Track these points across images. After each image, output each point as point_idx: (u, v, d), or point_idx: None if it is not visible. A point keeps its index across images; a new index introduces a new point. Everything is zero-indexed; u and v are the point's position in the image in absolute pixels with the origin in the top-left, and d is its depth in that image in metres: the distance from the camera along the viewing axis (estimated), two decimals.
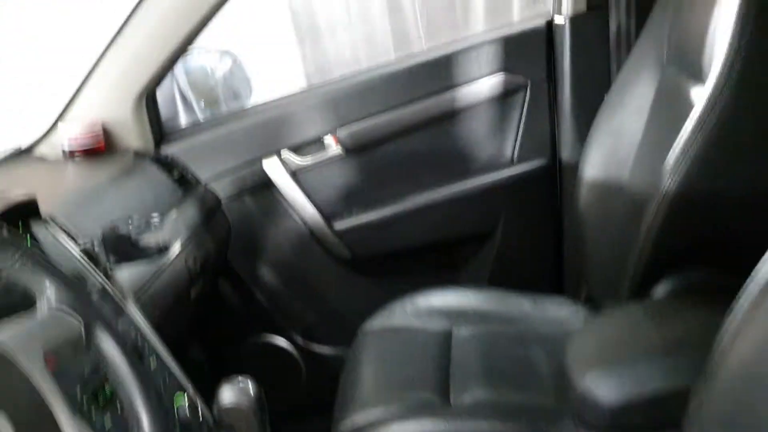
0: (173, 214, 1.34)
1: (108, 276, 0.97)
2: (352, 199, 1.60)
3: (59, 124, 1.47)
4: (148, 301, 1.09)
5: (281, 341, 1.65)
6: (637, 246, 1.02)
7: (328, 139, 1.57)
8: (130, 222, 0.98)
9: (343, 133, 1.56)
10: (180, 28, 1.39)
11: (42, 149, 1.51)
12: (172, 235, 1.27)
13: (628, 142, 1.22)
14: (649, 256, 1.01)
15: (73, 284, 0.63)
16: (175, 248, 1.25)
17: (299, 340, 1.66)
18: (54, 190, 1.28)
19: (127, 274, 1.04)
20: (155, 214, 0.98)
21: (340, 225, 1.60)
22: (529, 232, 1.60)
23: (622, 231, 1.15)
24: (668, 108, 1.14)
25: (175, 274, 1.24)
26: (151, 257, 1.00)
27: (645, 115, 1.20)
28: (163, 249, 0.98)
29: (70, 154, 1.44)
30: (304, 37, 2.12)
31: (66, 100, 1.48)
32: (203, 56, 1.83)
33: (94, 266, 0.96)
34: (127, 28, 1.40)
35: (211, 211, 1.51)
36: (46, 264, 0.62)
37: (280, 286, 1.65)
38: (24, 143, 1.52)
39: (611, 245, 1.21)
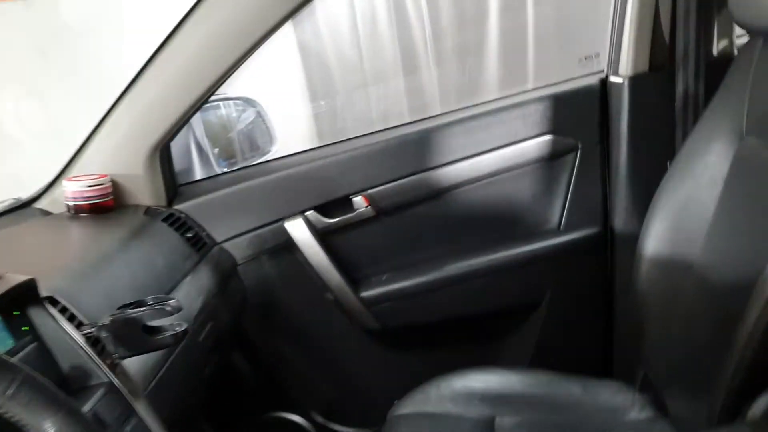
0: (187, 284, 1.23)
1: (116, 370, 0.85)
2: (383, 264, 1.49)
3: (65, 175, 1.37)
4: (158, 390, 0.98)
5: (299, 419, 1.51)
6: (731, 349, 0.89)
7: (358, 199, 1.46)
8: (141, 305, 0.86)
9: (375, 192, 1.45)
10: (202, 79, 1.29)
11: (45, 202, 1.40)
12: (187, 312, 1.15)
13: (699, 217, 1.11)
14: (748, 366, 0.88)
15: (75, 418, 0.51)
16: (189, 325, 1.14)
17: (319, 418, 1.52)
18: (56, 252, 1.17)
19: (136, 362, 0.92)
20: (172, 300, 0.86)
21: (369, 293, 1.48)
22: (577, 307, 1.48)
23: (701, 322, 1.03)
24: (751, 182, 1.03)
25: (188, 353, 1.11)
26: (164, 346, 0.88)
27: (718, 188, 1.09)
28: (178, 335, 0.86)
29: (76, 209, 1.33)
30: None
31: (74, 151, 1.38)
32: (222, 103, 1.74)
33: (100, 359, 0.84)
34: (143, 77, 1.30)
35: (226, 276, 1.39)
36: (44, 394, 0.50)
37: (300, 358, 1.52)
38: (27, 194, 1.42)
39: (683, 335, 1.08)
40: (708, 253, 1.07)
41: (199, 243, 1.38)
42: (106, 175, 1.36)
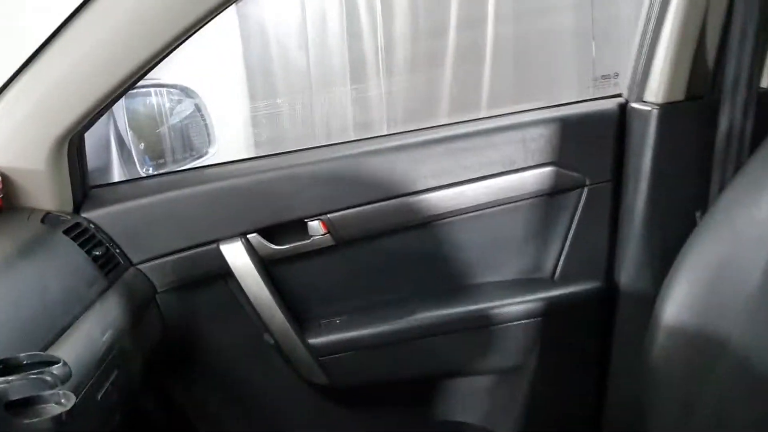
0: (88, 320, 0.98)
1: None
2: (338, 305, 1.27)
3: None
4: None
5: None
6: None
7: (315, 224, 1.23)
8: (10, 368, 0.62)
9: (335, 217, 1.23)
10: (129, 56, 1.05)
11: None
12: (83, 359, 0.90)
13: (739, 284, 0.94)
14: None
15: None
16: (87, 378, 0.89)
17: None
18: None
19: None
20: (57, 363, 0.62)
21: (318, 339, 1.27)
22: (565, 373, 1.30)
23: (737, 413, 0.86)
24: None
25: (81, 418, 0.86)
26: (50, 411, 0.63)
27: (766, 251, 0.93)
28: (60, 417, 0.62)
29: None
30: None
31: None
32: (154, 90, 1.48)
33: None
34: (54, 45, 1.05)
35: (141, 307, 1.16)
36: None
37: (226, 413, 1.28)
38: None
39: (713, 426, 0.91)
40: (749, 331, 0.91)
41: (109, 264, 1.14)
42: None
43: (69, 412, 0.62)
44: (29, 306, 0.91)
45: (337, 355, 1.25)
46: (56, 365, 0.63)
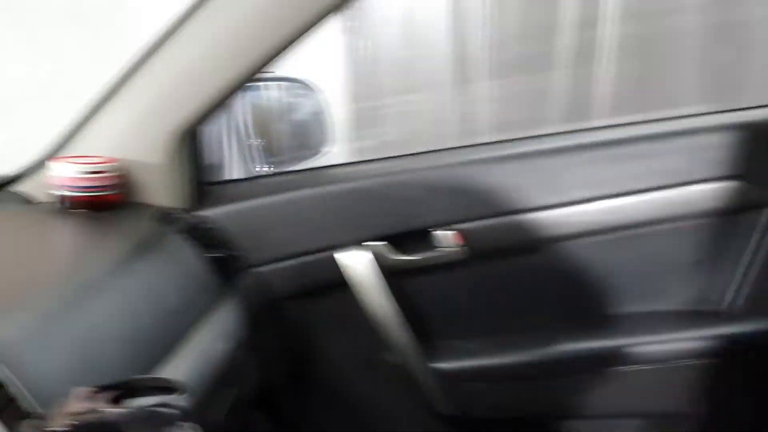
0: (205, 330, 0.90)
1: None
2: (469, 328, 1.15)
3: (59, 153, 1.05)
4: None
5: None
6: None
7: (446, 234, 1.12)
8: (126, 390, 0.53)
9: (470, 228, 1.10)
10: (249, 48, 0.98)
11: (29, 185, 1.09)
12: (200, 381, 0.82)
13: None
14: None
15: None
16: (202, 398, 0.81)
17: None
18: (17, 269, 0.84)
19: None
20: (176, 386, 0.53)
21: (446, 364, 1.15)
22: (739, 424, 1.12)
23: None
24: None
25: None
26: None
27: None
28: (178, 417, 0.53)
29: (65, 201, 1.01)
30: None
31: (72, 124, 1.08)
32: (273, 84, 1.41)
33: None
34: (173, 39, 1.00)
35: (260, 316, 1.07)
36: None
37: None
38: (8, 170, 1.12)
39: None
40: None
41: (226, 266, 1.06)
42: (114, 160, 1.04)
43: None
44: (143, 312, 0.84)
45: (463, 383, 1.12)
46: (178, 394, 0.54)
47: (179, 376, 0.80)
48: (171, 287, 0.92)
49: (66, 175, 1.02)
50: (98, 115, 1.06)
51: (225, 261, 1.06)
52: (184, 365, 0.82)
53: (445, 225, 1.11)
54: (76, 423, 0.51)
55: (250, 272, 1.11)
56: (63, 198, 1.02)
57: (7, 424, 0.53)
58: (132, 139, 1.06)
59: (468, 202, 1.11)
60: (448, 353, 1.15)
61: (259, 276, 1.12)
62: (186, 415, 0.53)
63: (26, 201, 1.07)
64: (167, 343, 0.83)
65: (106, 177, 1.03)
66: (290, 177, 1.28)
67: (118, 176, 1.05)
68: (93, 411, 0.52)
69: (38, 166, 1.09)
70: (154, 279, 0.91)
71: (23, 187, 1.08)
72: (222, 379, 0.89)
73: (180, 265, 0.99)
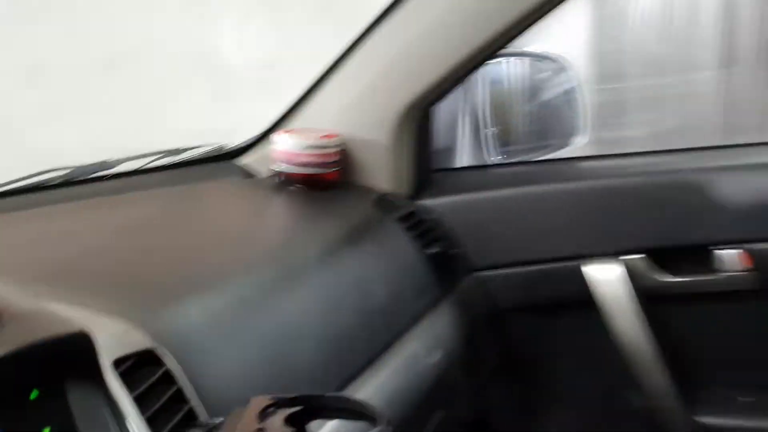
0: (414, 338, 0.77)
1: None
2: (751, 375, 0.93)
3: (279, 128, 0.99)
4: None
5: None
6: None
7: (729, 254, 0.88)
8: (325, 403, 0.41)
9: (763, 249, 0.86)
10: (490, 18, 0.87)
11: (251, 158, 1.04)
12: (406, 396, 0.69)
13: None
14: None
15: None
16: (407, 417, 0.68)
17: None
18: (226, 244, 0.77)
19: None
20: (380, 422, 0.40)
21: (713, 419, 0.97)
22: None
23: None
24: None
25: None
26: None
27: None
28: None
29: (284, 177, 0.94)
30: None
31: (295, 98, 1.02)
32: (515, 60, 1.24)
33: None
34: (403, 7, 0.91)
35: (478, 327, 0.93)
36: None
37: None
38: (230, 143, 1.09)
39: None
40: None
41: (446, 266, 0.94)
42: (333, 135, 0.95)
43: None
44: (348, 309, 0.73)
45: None
46: (377, 427, 0.40)
47: (381, 392, 0.68)
48: (383, 283, 0.81)
49: (287, 149, 0.95)
50: (323, 89, 1.00)
51: (445, 259, 0.94)
52: (388, 379, 0.70)
53: (726, 243, 0.89)
54: None
55: (472, 275, 0.98)
56: (282, 173, 0.96)
57: (169, 429, 0.43)
58: (356, 115, 0.99)
59: (758, 214, 0.87)
60: (717, 405, 0.96)
61: (482, 281, 0.99)
62: None
63: (247, 174, 1.03)
64: (372, 349, 0.71)
65: (326, 153, 0.96)
66: (530, 168, 1.12)
67: (339, 153, 0.97)
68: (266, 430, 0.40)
69: (262, 139, 1.05)
70: (366, 272, 0.80)
71: (246, 160, 1.05)
72: (430, 400, 0.76)
73: (395, 258, 0.88)
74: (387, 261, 0.86)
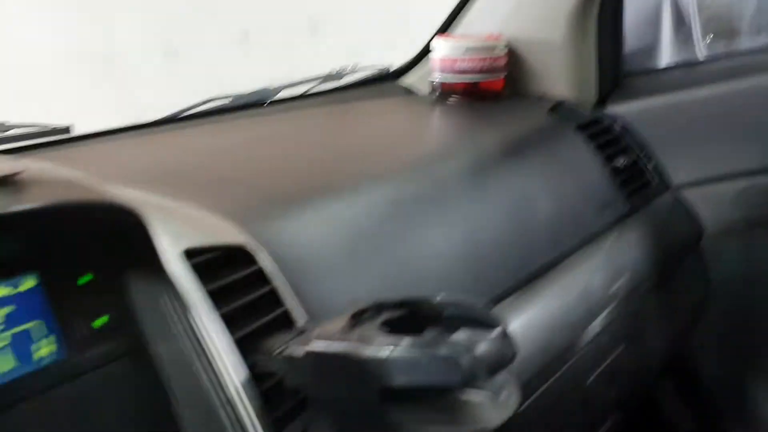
0: (591, 257, 0.67)
1: None
2: None
3: (435, 41, 0.91)
4: None
5: None
6: None
7: None
8: (437, 309, 0.35)
9: None
10: None
11: (413, 77, 0.99)
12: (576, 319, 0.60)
13: None
14: None
15: None
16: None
17: None
18: (379, 145, 0.72)
19: None
20: (497, 329, 0.32)
21: None
22: None
23: None
24: None
25: (555, 412, 0.57)
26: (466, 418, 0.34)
27: None
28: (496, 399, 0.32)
29: (440, 89, 0.86)
30: None
31: (453, 8, 0.94)
32: None
33: None
34: None
35: (677, 252, 0.79)
36: None
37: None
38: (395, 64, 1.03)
39: None
40: None
41: (635, 180, 0.82)
42: (498, 37, 0.85)
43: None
44: (503, 226, 0.64)
45: None
46: (492, 332, 0.33)
47: (534, 321, 0.58)
48: (556, 198, 0.71)
49: (445, 55, 0.87)
50: None
51: (635, 173, 0.81)
52: (550, 302, 0.60)
53: None
54: (328, 352, 0.34)
55: (669, 192, 0.83)
56: (440, 84, 0.88)
57: (263, 333, 0.39)
58: (525, 12, 0.87)
59: None
60: None
61: (682, 198, 0.83)
62: (493, 370, 0.32)
63: (408, 93, 0.97)
64: (532, 264, 0.62)
65: (490, 57, 0.86)
66: (744, 61, 0.92)
67: (505, 58, 0.87)
68: (359, 337, 0.34)
69: (422, 57, 0.97)
70: (535, 185, 0.70)
71: (409, 80, 0.98)
72: (605, 336, 0.65)
73: (572, 172, 0.77)
74: (560, 175, 0.75)
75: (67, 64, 1.68)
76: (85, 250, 0.38)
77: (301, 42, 1.75)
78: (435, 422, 0.34)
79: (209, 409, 0.37)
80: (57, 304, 0.37)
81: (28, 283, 0.36)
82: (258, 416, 0.38)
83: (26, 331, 0.36)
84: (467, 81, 0.85)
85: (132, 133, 0.73)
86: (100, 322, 0.38)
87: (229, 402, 0.37)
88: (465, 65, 0.84)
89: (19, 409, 0.35)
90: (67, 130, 0.63)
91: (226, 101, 0.86)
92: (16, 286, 0.36)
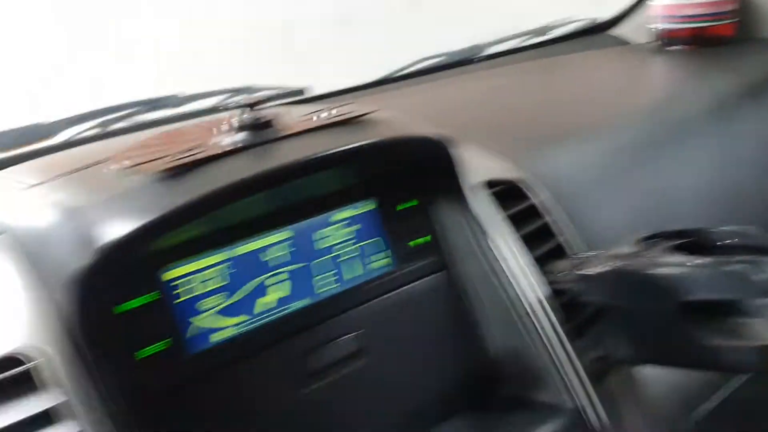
0: None
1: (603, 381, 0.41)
2: None
3: None
4: None
5: None
6: None
7: None
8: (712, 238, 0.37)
9: None
10: None
11: (626, 27, 0.98)
12: None
13: None
14: None
15: None
16: None
17: None
18: (609, 92, 0.73)
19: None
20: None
21: None
22: None
23: None
24: None
25: None
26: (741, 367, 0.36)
27: None
28: None
29: (666, 36, 0.85)
30: None
31: None
32: None
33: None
34: None
35: None
36: None
37: None
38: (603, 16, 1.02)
39: None
40: None
41: None
42: None
43: None
44: (747, 166, 0.63)
45: None
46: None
47: None
48: None
49: (672, 3, 0.85)
50: None
51: None
52: None
53: None
54: (628, 270, 0.37)
55: None
56: (663, 32, 0.86)
57: (552, 256, 0.44)
58: None
59: None
60: None
61: None
62: None
63: (623, 43, 0.96)
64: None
65: (719, 2, 0.83)
66: None
67: (736, 1, 0.83)
68: (647, 257, 0.37)
69: (637, 6, 0.95)
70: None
71: (620, 30, 0.97)
72: None
73: None
74: None
75: (248, 35, 1.80)
76: (410, 180, 0.45)
77: (479, 5, 1.75)
78: (728, 335, 0.35)
79: (511, 319, 0.43)
80: (388, 225, 0.44)
81: (369, 206, 0.44)
82: (561, 324, 0.43)
83: (370, 245, 0.43)
84: (694, 27, 0.83)
85: (355, 93, 0.78)
86: (421, 240, 0.45)
87: (532, 312, 0.43)
88: (692, 11, 0.82)
89: (358, 311, 0.42)
90: (301, 92, 0.70)
91: (438, 60, 0.90)
92: (360, 209, 0.43)
